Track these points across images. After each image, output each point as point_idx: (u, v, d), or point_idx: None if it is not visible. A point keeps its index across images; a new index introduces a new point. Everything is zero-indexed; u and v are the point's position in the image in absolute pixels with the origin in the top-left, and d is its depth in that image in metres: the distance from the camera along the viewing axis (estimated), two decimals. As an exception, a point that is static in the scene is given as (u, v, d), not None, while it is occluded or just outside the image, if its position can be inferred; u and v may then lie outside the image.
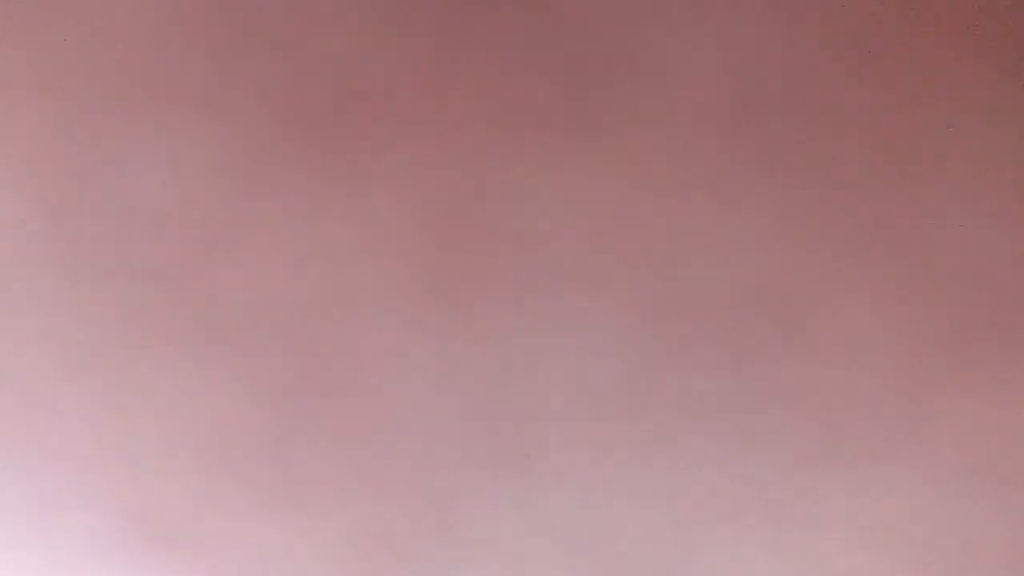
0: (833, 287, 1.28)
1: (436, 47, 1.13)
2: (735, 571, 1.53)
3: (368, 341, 1.33)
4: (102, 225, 1.25)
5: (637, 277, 1.28)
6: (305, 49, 1.13)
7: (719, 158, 1.19)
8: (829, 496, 1.45)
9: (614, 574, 1.54)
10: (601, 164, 1.20)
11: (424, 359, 1.35)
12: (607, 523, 1.48)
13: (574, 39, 1.13)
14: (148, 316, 1.33)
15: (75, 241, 1.27)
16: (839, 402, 1.37)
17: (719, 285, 1.28)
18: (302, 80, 1.15)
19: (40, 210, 1.25)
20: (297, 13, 1.11)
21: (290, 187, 1.22)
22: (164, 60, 1.14)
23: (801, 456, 1.41)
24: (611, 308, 1.30)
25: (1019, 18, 1.11)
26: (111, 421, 1.42)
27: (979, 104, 1.15)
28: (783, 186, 1.21)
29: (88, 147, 1.20)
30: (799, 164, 1.20)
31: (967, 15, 1.11)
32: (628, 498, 1.46)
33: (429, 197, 1.23)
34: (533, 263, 1.27)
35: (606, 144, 1.19)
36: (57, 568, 1.55)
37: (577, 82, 1.15)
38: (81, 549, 1.53)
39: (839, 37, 1.12)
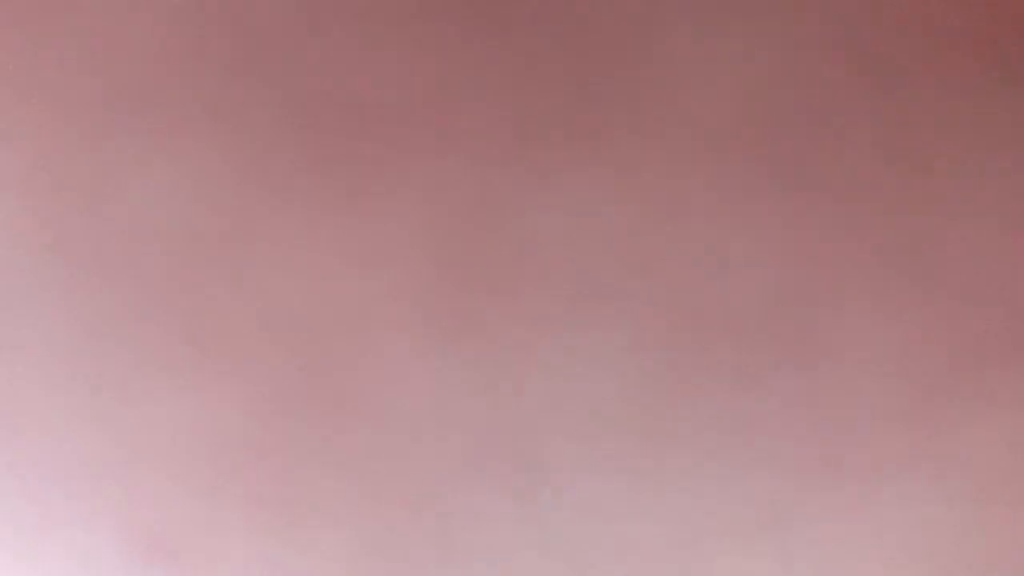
0: (845, 301, 1.28)
1: (446, 61, 1.13)
2: (743, 589, 1.53)
3: (372, 357, 1.33)
4: (100, 236, 1.25)
5: (646, 292, 1.27)
6: (312, 62, 1.13)
7: (730, 171, 1.19)
8: (842, 513, 1.45)
9: (620, 592, 1.54)
10: (611, 178, 1.20)
11: (429, 374, 1.34)
12: (614, 541, 1.49)
13: (585, 53, 1.13)
14: (147, 329, 1.32)
15: (72, 253, 1.26)
16: (852, 418, 1.37)
17: (730, 300, 1.28)
18: (308, 93, 1.15)
19: (39, 221, 1.24)
20: (304, 26, 1.11)
21: (294, 200, 1.22)
22: (169, 73, 1.14)
23: (813, 472, 1.42)
24: (619, 323, 1.30)
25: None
26: (106, 435, 1.42)
27: (997, 114, 1.15)
28: (796, 199, 1.21)
29: (89, 159, 1.20)
30: (811, 176, 1.19)
31: (980, 25, 1.11)
32: (636, 516, 1.46)
33: (436, 211, 1.22)
34: (541, 278, 1.27)
35: (616, 158, 1.18)
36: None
37: (588, 95, 1.15)
38: (73, 566, 1.53)
39: (851, 49, 1.12)
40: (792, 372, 1.33)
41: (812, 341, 1.31)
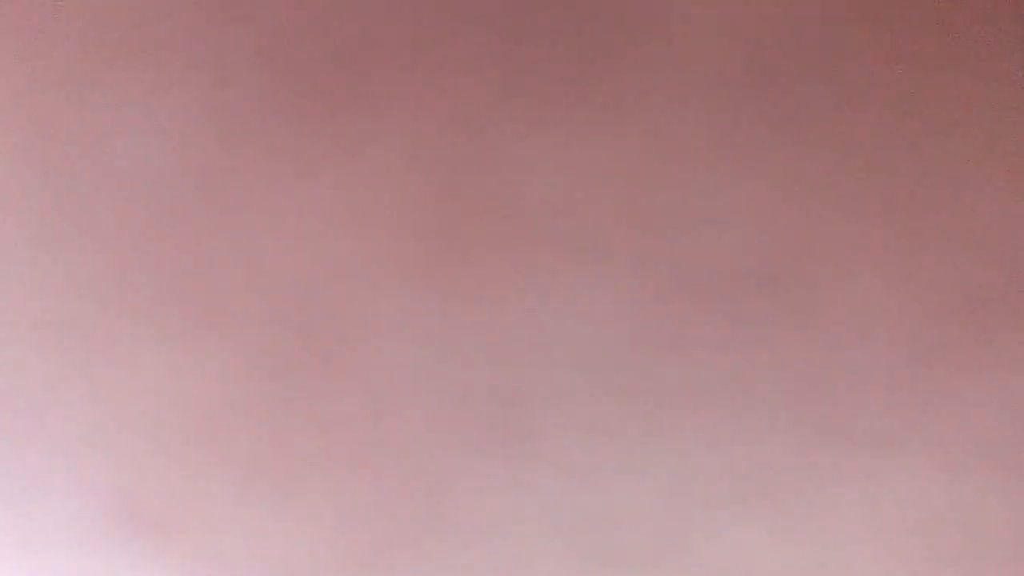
0: (844, 260, 1.27)
1: (433, 8, 1.12)
2: (737, 555, 1.54)
3: (363, 317, 1.33)
4: (83, 189, 1.25)
5: (639, 248, 1.27)
6: (296, 11, 1.13)
7: (728, 125, 1.19)
8: (835, 479, 1.46)
9: (614, 558, 1.55)
10: (606, 132, 1.19)
11: (421, 336, 1.35)
12: (607, 506, 1.49)
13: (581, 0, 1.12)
14: (132, 288, 1.32)
15: (54, 208, 1.26)
16: (848, 382, 1.37)
17: (726, 259, 1.28)
18: (298, 36, 1.14)
19: (17, 173, 1.23)
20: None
21: (285, 151, 1.21)
22: (152, 14, 1.14)
23: (807, 438, 1.42)
24: (614, 283, 1.29)
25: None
26: (95, 399, 1.42)
27: (1001, 67, 1.15)
28: (794, 154, 1.20)
29: (69, 105, 1.19)
30: (810, 131, 1.19)
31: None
32: (629, 481, 1.47)
33: (429, 163, 1.22)
34: (534, 235, 1.26)
35: (611, 111, 1.18)
36: (37, 552, 1.56)
37: (583, 45, 1.15)
38: (63, 532, 1.54)
39: (855, -1, 1.12)
40: (790, 336, 1.33)
41: (811, 303, 1.31)
